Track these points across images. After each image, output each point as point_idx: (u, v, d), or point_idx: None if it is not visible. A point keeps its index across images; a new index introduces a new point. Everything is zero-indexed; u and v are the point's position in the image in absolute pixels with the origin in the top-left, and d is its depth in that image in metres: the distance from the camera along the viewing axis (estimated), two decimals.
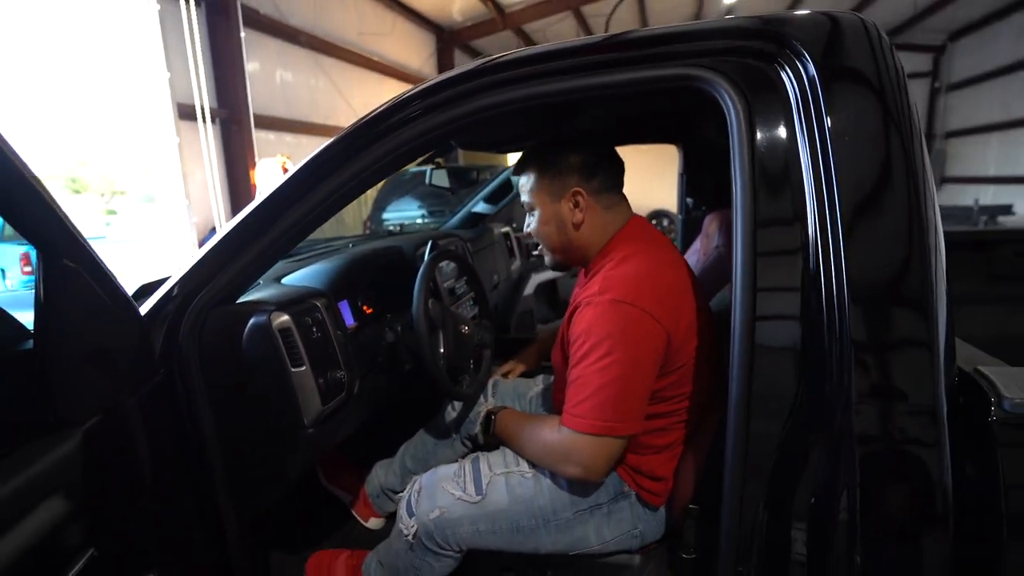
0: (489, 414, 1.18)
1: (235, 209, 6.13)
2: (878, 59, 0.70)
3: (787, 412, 0.72)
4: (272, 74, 6.86)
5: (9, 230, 5.21)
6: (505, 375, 1.56)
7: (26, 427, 0.67)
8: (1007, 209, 8.67)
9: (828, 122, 0.69)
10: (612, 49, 0.82)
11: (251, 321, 0.95)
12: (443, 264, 1.74)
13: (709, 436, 1.02)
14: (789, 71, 0.73)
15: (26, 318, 0.76)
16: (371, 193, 4.46)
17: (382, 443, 1.59)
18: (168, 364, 0.92)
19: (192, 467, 0.96)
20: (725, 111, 0.75)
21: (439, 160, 2.73)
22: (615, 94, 0.82)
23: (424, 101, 0.88)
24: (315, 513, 1.57)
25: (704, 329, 1.01)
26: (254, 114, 6.19)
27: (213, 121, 5.73)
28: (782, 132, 0.73)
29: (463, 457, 1.19)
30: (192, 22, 5.28)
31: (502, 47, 11.08)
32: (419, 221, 4.28)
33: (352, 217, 4.64)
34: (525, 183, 1.11)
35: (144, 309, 0.93)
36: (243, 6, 5.98)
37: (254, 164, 6.01)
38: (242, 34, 5.95)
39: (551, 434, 0.98)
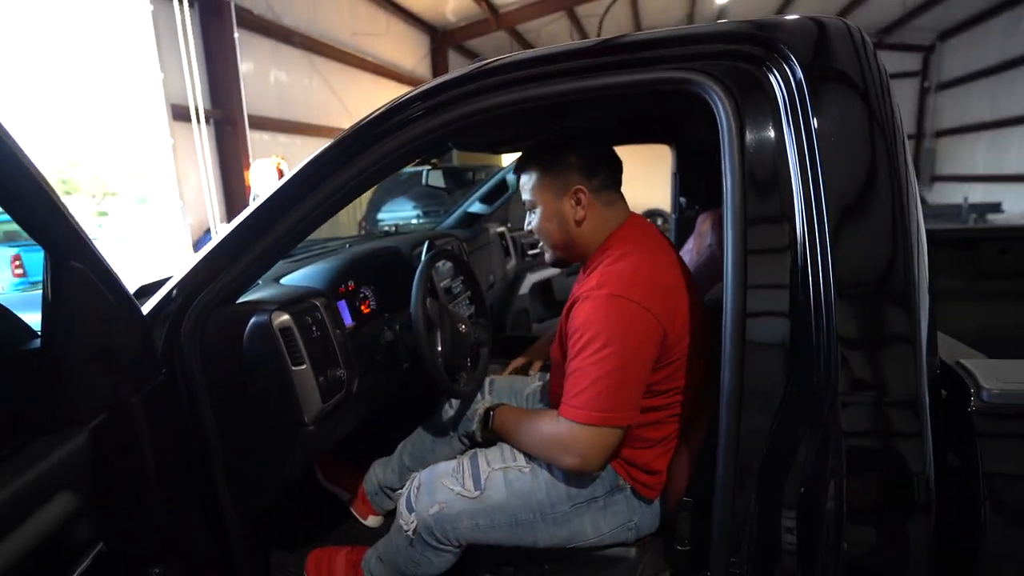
0: (488, 410, 1.20)
1: (230, 210, 6.12)
2: (862, 62, 0.72)
3: (777, 406, 0.75)
4: (266, 75, 6.85)
5: None
6: (524, 371, 1.58)
7: (33, 425, 0.68)
8: (996, 207, 8.78)
9: (815, 123, 0.71)
10: (607, 53, 0.84)
11: (252, 320, 0.96)
12: (440, 264, 1.76)
13: (703, 431, 1.05)
14: (777, 74, 0.75)
15: (28, 318, 0.78)
16: (366, 194, 4.47)
17: (380, 441, 1.60)
18: (170, 364, 0.93)
19: (194, 465, 0.97)
20: (716, 113, 0.77)
21: (435, 160, 2.74)
22: (610, 96, 0.84)
23: (424, 103, 0.90)
24: (314, 512, 1.58)
25: (699, 325, 1.03)
26: (248, 115, 6.18)
27: (207, 122, 5.72)
28: (771, 133, 0.75)
29: (461, 454, 1.21)
30: (186, 23, 5.27)
31: (496, 47, 11.14)
32: (414, 221, 4.29)
33: (347, 218, 4.64)
34: (527, 181, 1.13)
35: (145, 309, 0.94)
36: (236, 7, 5.97)
37: (248, 165, 6.00)
38: (236, 34, 5.93)
39: (549, 426, 1.00)
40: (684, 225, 2.40)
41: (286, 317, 0.99)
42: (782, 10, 10.19)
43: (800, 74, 0.73)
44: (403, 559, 1.13)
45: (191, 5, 5.45)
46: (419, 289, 1.23)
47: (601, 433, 0.94)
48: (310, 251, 1.72)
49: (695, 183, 2.35)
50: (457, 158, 4.73)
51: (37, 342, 0.73)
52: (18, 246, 5.66)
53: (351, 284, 1.37)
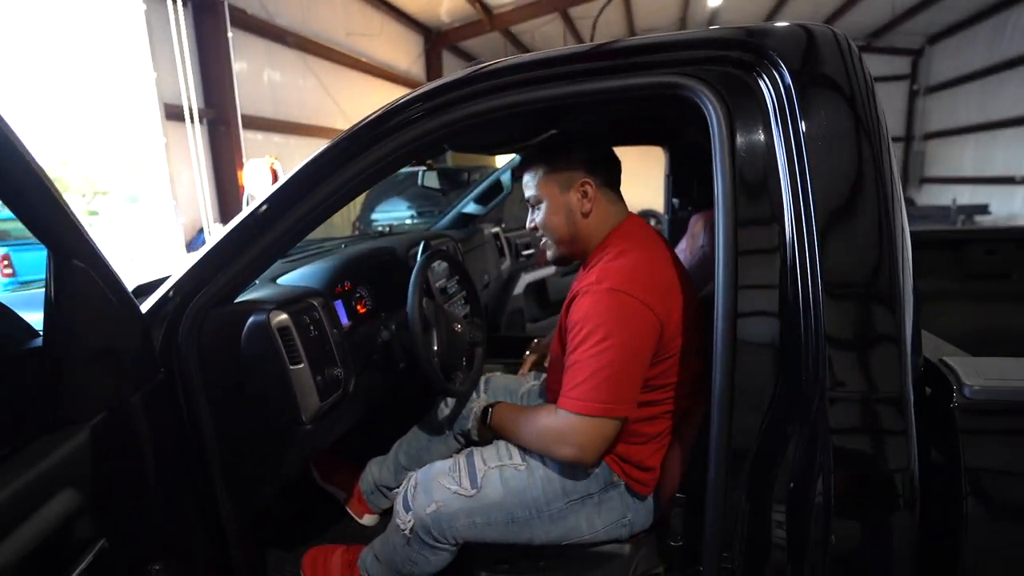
0: (487, 407, 1.21)
1: (223, 210, 6.09)
2: (849, 69, 0.74)
3: (767, 405, 0.76)
4: (260, 74, 6.83)
5: None
6: (540, 366, 1.60)
7: (36, 423, 0.69)
8: (983, 209, 8.91)
9: (803, 127, 0.73)
10: (601, 57, 0.86)
11: (250, 320, 0.97)
12: (435, 264, 1.77)
13: (695, 428, 1.06)
14: (767, 80, 0.77)
15: (28, 318, 0.78)
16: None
17: (376, 440, 1.61)
18: (168, 363, 0.93)
19: (192, 464, 0.97)
20: (707, 117, 0.79)
21: (429, 162, 2.75)
22: (604, 100, 0.86)
23: (423, 105, 0.91)
24: (311, 511, 1.59)
25: (694, 323, 1.05)
26: (242, 114, 6.16)
27: (200, 121, 5.70)
28: (760, 137, 0.77)
29: (457, 453, 1.22)
30: (179, 22, 5.25)
31: (490, 49, 11.14)
32: (408, 222, 4.29)
33: (341, 218, 4.63)
34: (532, 178, 1.15)
35: (143, 309, 0.94)
36: (230, 6, 5.95)
37: (242, 165, 5.98)
38: (229, 34, 5.91)
39: (547, 418, 1.02)
40: (677, 226, 2.43)
41: (284, 316, 0.99)
42: (774, 12, 10.27)
43: (789, 80, 0.75)
44: (400, 558, 1.14)
45: (184, 4, 5.42)
46: (415, 289, 1.24)
47: (599, 424, 0.96)
48: (306, 251, 1.73)
49: (688, 185, 2.38)
50: (451, 159, 4.73)
51: (39, 341, 0.74)
52: (7, 245, 5.60)
53: (347, 284, 1.37)
